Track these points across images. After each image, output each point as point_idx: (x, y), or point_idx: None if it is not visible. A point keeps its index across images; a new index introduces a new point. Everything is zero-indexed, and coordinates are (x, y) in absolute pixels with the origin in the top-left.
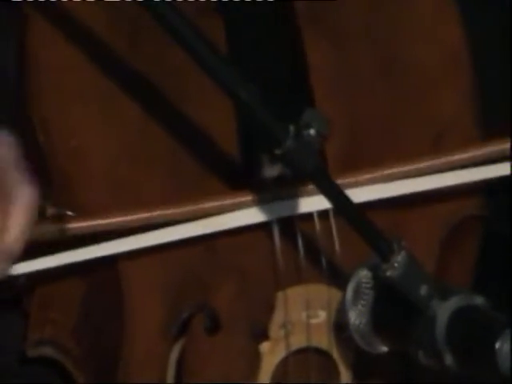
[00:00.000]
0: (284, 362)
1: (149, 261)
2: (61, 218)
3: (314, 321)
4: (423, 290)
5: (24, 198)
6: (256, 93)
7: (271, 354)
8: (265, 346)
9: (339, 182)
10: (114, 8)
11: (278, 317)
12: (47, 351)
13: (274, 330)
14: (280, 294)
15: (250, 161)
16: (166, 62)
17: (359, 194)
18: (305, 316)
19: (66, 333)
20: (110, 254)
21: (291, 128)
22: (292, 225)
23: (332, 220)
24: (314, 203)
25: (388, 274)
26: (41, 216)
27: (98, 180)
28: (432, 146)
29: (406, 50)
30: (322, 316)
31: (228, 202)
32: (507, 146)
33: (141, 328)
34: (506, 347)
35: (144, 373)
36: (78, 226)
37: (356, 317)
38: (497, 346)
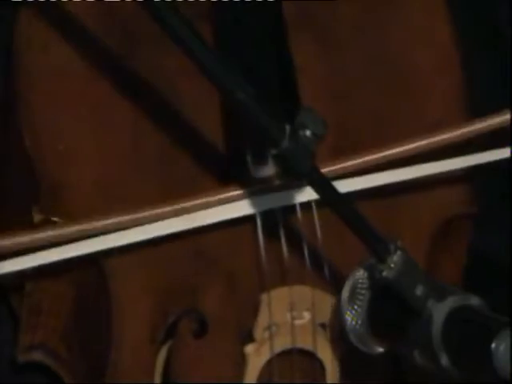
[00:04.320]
0: (269, 364)
1: (137, 265)
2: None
3: (298, 322)
4: (419, 290)
5: None
6: (253, 93)
7: (256, 356)
8: (250, 348)
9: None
10: (106, 10)
11: (262, 319)
12: (38, 356)
13: (259, 331)
14: (264, 296)
15: (240, 163)
16: (158, 66)
17: (351, 184)
18: (289, 317)
19: (56, 337)
20: (92, 252)
21: (287, 128)
22: (276, 226)
23: (316, 221)
24: (297, 196)
25: (384, 274)
26: (28, 223)
27: (87, 184)
28: None
29: (397, 51)
30: (306, 317)
31: (211, 198)
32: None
33: (128, 331)
34: (503, 347)
35: (131, 376)
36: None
37: (352, 317)
38: (493, 346)
